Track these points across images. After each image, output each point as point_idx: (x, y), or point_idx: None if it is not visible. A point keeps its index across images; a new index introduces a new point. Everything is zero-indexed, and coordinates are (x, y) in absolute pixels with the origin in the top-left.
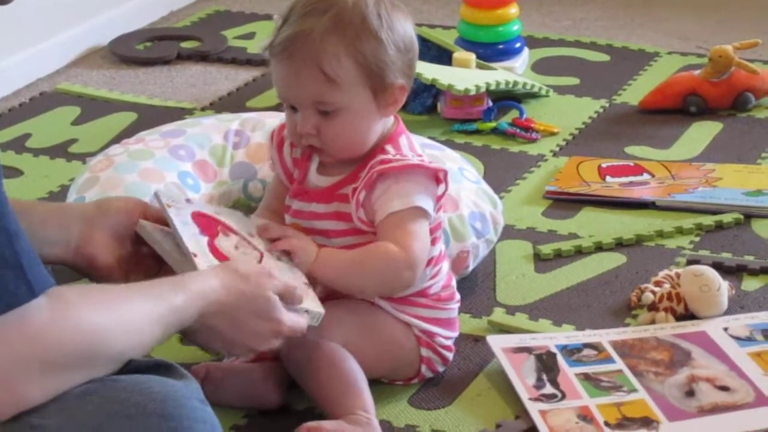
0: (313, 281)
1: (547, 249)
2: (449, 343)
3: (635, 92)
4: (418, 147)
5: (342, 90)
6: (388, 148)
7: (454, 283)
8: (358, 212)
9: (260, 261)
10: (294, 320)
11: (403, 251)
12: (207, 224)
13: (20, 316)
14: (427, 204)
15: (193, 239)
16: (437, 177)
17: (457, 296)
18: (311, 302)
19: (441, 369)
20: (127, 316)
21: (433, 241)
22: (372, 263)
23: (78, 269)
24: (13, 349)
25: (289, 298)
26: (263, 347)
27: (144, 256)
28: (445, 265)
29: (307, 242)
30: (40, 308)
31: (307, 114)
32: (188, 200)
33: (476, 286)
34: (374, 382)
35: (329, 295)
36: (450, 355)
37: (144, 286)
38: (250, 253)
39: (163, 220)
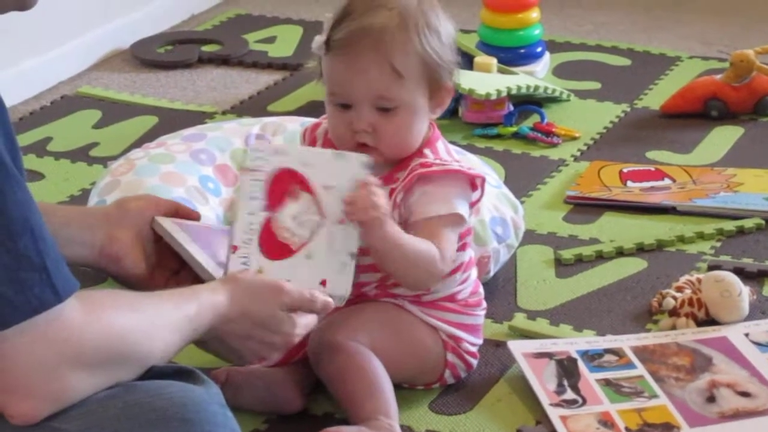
0: (361, 250)
1: (568, 254)
2: (474, 349)
3: (656, 96)
4: (454, 152)
5: (406, 86)
6: (427, 152)
7: (481, 290)
8: (393, 213)
9: (311, 233)
10: (304, 324)
11: (440, 253)
12: (282, 187)
13: (50, 319)
14: (465, 210)
15: (209, 260)
16: (474, 183)
17: (484, 303)
18: (340, 282)
19: (463, 375)
20: (154, 322)
21: (463, 247)
22: (423, 253)
23: (103, 270)
24: (43, 350)
25: (305, 307)
26: (274, 356)
27: (167, 251)
28: (474, 272)
29: (391, 221)
30: (73, 310)
31: (365, 110)
32: (279, 152)
33: (497, 291)
34: (395, 387)
35: (357, 298)
36: (474, 362)
37: (165, 294)
38: (309, 220)
39: (174, 213)
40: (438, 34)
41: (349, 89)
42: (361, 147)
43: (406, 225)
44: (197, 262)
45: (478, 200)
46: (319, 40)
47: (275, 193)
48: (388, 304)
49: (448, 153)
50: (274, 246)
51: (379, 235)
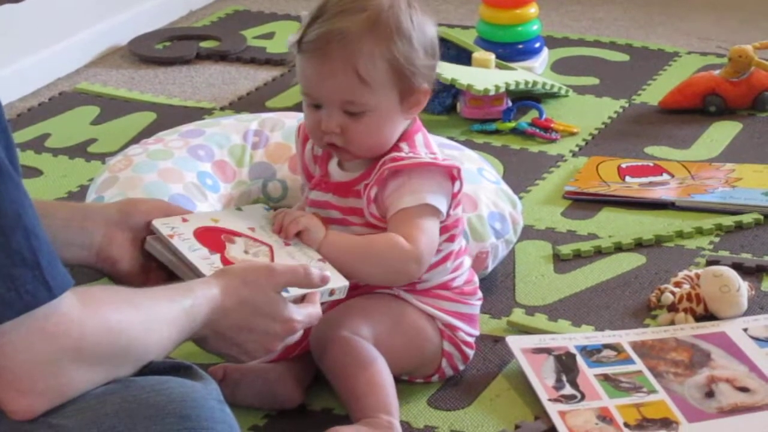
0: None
1: (566, 249)
2: (471, 340)
3: (655, 92)
4: (435, 144)
5: (372, 91)
6: (403, 145)
7: (476, 279)
8: (370, 208)
9: (271, 255)
10: (307, 313)
11: (411, 244)
12: (211, 238)
13: (48, 314)
14: (439, 201)
15: (205, 262)
16: (452, 174)
17: (479, 293)
18: (334, 275)
19: (461, 366)
20: (151, 317)
21: (451, 238)
22: (380, 250)
23: (100, 271)
24: (42, 345)
25: (302, 283)
26: (279, 346)
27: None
28: (467, 260)
29: (316, 221)
30: (71, 305)
31: (333, 112)
32: (184, 219)
33: (495, 286)
34: (395, 381)
35: (355, 290)
36: (471, 353)
37: (159, 290)
38: (260, 249)
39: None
40: (409, 39)
41: (317, 91)
42: (331, 146)
43: (384, 221)
44: (197, 269)
45: (459, 191)
46: (292, 38)
47: (210, 242)
48: (387, 295)
49: (426, 145)
50: None
51: (320, 243)
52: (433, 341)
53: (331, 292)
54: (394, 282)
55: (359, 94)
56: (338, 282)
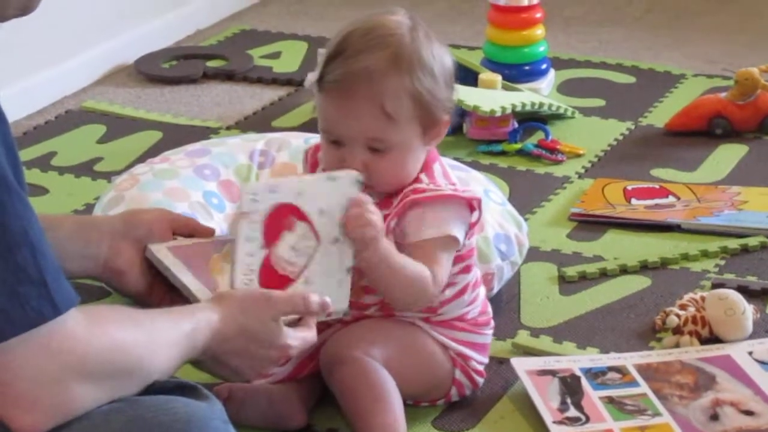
0: (357, 271)
1: (571, 271)
2: (481, 368)
3: (661, 114)
4: (452, 173)
5: (398, 128)
6: (422, 176)
7: (490, 309)
8: (387, 237)
9: (314, 251)
10: (301, 337)
11: (434, 282)
12: (277, 222)
13: (53, 331)
14: (460, 232)
15: (197, 285)
16: (470, 205)
17: (492, 323)
18: (338, 298)
19: (468, 393)
20: (155, 337)
21: (467, 269)
22: (414, 278)
23: (106, 283)
24: (47, 362)
25: (301, 312)
26: (271, 370)
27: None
28: (482, 291)
29: (383, 227)
30: (76, 322)
31: (356, 150)
32: (272, 190)
33: (501, 308)
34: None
35: (368, 313)
36: (480, 381)
37: (162, 312)
38: (304, 249)
39: (190, 231)
40: (432, 73)
41: (341, 130)
42: None
43: (400, 248)
44: (189, 291)
45: (477, 221)
46: (311, 77)
47: (272, 230)
48: (402, 321)
49: (445, 176)
50: (273, 279)
51: (373, 253)
52: (444, 368)
53: (328, 314)
54: (405, 308)
55: (385, 131)
56: (338, 305)
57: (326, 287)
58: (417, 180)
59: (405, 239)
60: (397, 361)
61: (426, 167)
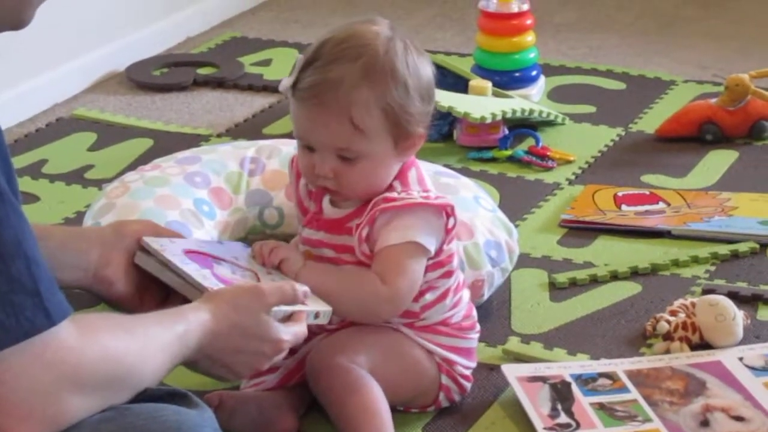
0: None
1: (562, 277)
2: (468, 372)
3: (651, 120)
4: (428, 179)
5: (367, 139)
6: (395, 184)
7: (474, 313)
8: (361, 247)
9: (257, 279)
10: (293, 332)
11: (388, 286)
12: (199, 258)
13: (46, 341)
14: (427, 240)
15: (197, 273)
16: (444, 211)
17: (478, 326)
18: (315, 303)
19: (458, 398)
20: (146, 344)
21: (448, 274)
22: (354, 290)
23: (96, 293)
24: (40, 372)
25: (291, 300)
26: (266, 365)
27: (155, 279)
28: (466, 294)
29: (295, 252)
30: (69, 332)
31: (326, 157)
32: (172, 240)
33: (491, 314)
34: (390, 410)
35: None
36: (468, 385)
37: (153, 316)
38: (247, 274)
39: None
40: (405, 86)
41: (310, 137)
42: (324, 189)
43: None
44: (193, 280)
45: (453, 227)
46: (286, 83)
47: (199, 261)
48: (386, 327)
49: (420, 182)
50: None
51: (297, 273)
52: (430, 374)
53: (316, 315)
54: (368, 320)
55: (353, 141)
56: (323, 306)
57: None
58: (390, 188)
59: (374, 248)
60: (382, 367)
61: (401, 173)
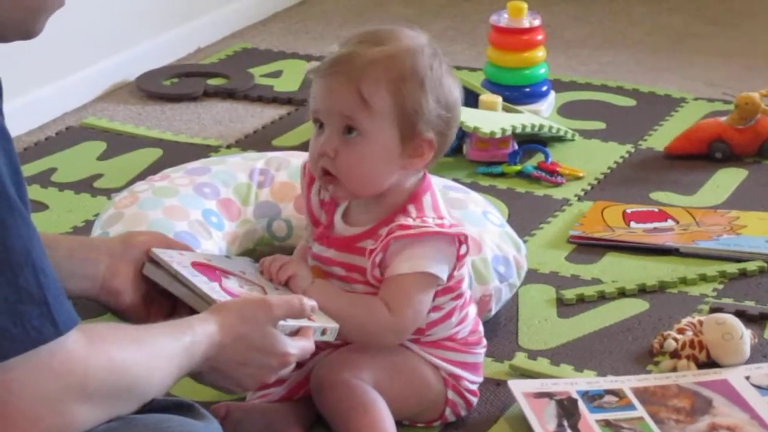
0: None
1: (570, 294)
2: (474, 387)
3: (661, 137)
4: (442, 205)
5: (372, 116)
6: (410, 208)
7: (481, 328)
8: (374, 271)
9: (264, 293)
10: (300, 346)
11: (394, 315)
12: (207, 271)
13: (53, 351)
14: (440, 269)
15: (206, 285)
16: (458, 239)
17: (484, 341)
18: (322, 319)
19: (464, 413)
20: (153, 354)
21: (457, 297)
22: (360, 316)
23: (104, 304)
24: (47, 382)
25: (298, 314)
26: (273, 379)
27: (162, 291)
28: (473, 310)
29: (304, 268)
30: (76, 342)
31: (332, 133)
32: (180, 253)
33: (498, 329)
34: (396, 424)
35: None
36: (474, 400)
37: (160, 326)
38: (254, 288)
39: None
40: (420, 82)
41: (323, 105)
42: (324, 176)
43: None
44: (202, 292)
45: (465, 255)
46: (313, 65)
47: (208, 273)
48: None
49: (434, 208)
50: None
51: (306, 290)
52: (436, 389)
53: (323, 332)
54: (369, 344)
55: (358, 112)
56: (330, 322)
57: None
58: (404, 211)
59: (385, 273)
60: (387, 383)
61: (415, 197)
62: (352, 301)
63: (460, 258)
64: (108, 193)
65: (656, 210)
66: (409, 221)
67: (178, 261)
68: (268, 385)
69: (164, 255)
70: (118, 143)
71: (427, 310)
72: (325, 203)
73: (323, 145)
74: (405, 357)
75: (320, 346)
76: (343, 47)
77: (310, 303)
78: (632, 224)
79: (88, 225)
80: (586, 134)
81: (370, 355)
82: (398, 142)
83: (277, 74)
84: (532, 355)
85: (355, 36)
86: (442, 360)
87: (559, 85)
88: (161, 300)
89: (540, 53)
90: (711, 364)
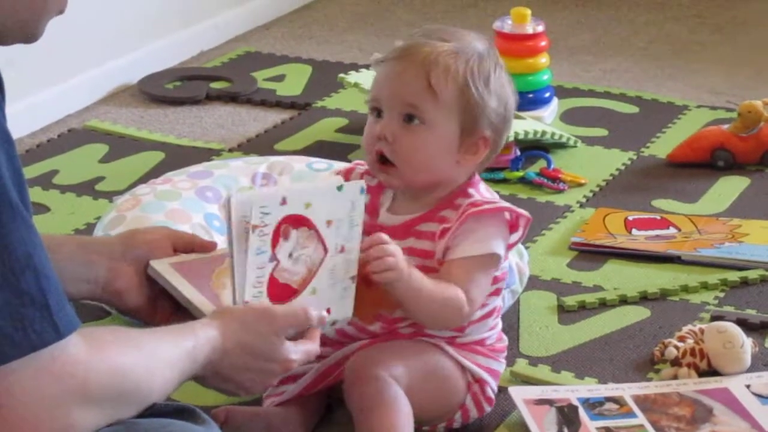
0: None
1: (571, 301)
2: (493, 396)
3: (664, 145)
4: (496, 195)
5: (436, 105)
6: (472, 191)
7: (505, 337)
8: (445, 253)
9: (321, 261)
10: (304, 350)
11: (469, 305)
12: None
13: (54, 355)
14: (502, 250)
15: (206, 301)
16: (515, 224)
17: (506, 351)
18: (342, 306)
19: (471, 420)
20: (155, 359)
21: (498, 291)
22: (447, 301)
23: (107, 304)
24: (48, 386)
25: (302, 325)
26: (275, 382)
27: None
28: (500, 320)
29: (402, 259)
30: (77, 346)
31: (392, 118)
32: (283, 202)
33: None
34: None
35: (391, 335)
36: (488, 409)
37: (162, 331)
38: (301, 257)
39: (192, 248)
40: (486, 80)
41: (383, 91)
42: (379, 159)
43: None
44: (193, 306)
45: (517, 242)
46: (377, 56)
47: (277, 240)
48: (428, 343)
49: (490, 194)
50: (279, 291)
51: (398, 289)
52: (460, 395)
53: (333, 323)
54: (436, 326)
55: (423, 100)
56: (343, 313)
57: (332, 296)
58: (467, 194)
59: (449, 252)
60: (420, 384)
61: (473, 184)
62: (443, 292)
63: (510, 246)
64: (110, 196)
65: (658, 218)
66: (478, 198)
67: (175, 273)
68: (282, 382)
69: (159, 265)
70: (121, 146)
71: (487, 290)
72: (368, 206)
73: (383, 128)
74: (439, 359)
75: (353, 335)
76: (411, 38)
77: (316, 313)
78: (634, 231)
79: (90, 228)
80: (589, 141)
81: (406, 354)
82: (457, 136)
83: (280, 78)
84: (533, 361)
85: (421, 31)
86: (475, 364)
87: (562, 92)
88: (167, 297)
89: (543, 60)
90: (712, 372)
